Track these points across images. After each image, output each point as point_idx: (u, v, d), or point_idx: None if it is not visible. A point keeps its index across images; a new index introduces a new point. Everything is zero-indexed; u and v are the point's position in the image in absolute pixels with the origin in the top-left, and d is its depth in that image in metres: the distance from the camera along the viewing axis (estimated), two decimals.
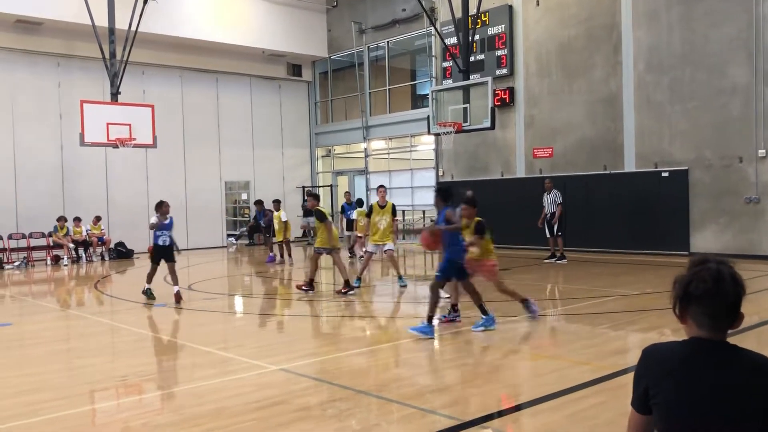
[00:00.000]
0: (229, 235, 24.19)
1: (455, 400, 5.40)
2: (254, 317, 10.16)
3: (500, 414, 5.09)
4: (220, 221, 23.46)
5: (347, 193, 19.54)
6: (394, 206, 12.46)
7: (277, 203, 17.25)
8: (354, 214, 17.33)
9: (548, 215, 15.55)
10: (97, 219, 19.44)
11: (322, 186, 25.90)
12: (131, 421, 5.09)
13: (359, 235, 17.01)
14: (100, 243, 19.41)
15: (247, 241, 24.06)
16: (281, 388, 5.80)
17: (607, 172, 17.09)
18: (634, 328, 8.24)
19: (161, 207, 11.19)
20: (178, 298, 10.77)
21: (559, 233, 15.42)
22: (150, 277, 11.27)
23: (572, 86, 17.85)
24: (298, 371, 6.31)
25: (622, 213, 16.66)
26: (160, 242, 11.16)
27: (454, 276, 8.05)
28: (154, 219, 11.23)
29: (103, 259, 19.37)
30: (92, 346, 8.10)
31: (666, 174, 16.00)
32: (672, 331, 7.61)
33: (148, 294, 11.16)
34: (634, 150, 16.64)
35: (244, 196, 25.77)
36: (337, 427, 4.78)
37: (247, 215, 25.06)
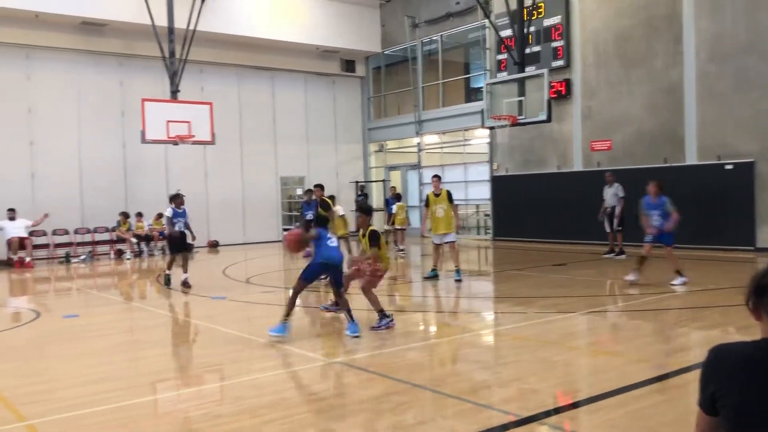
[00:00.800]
0: (284, 230, 24.51)
1: (512, 395, 5.34)
2: (310, 311, 10.27)
3: (558, 410, 5.02)
4: (275, 216, 23.80)
5: (393, 188, 19.54)
6: (449, 193, 12.24)
7: (331, 199, 17.17)
8: (394, 208, 17.43)
9: (609, 209, 15.21)
10: (159, 216, 19.96)
11: (375, 181, 25.99)
12: (192, 411, 5.22)
13: (399, 227, 17.75)
14: (161, 237, 19.92)
15: None
16: (338, 380, 5.86)
17: (668, 164, 16.62)
18: (697, 325, 8.00)
19: (176, 199, 12.50)
20: (186, 285, 11.97)
21: (620, 228, 15.07)
22: (170, 265, 12.52)
23: (631, 77, 17.41)
24: (354, 364, 6.35)
25: (683, 207, 15.97)
26: (177, 228, 12.27)
27: (330, 276, 7.87)
28: (169, 210, 12.40)
29: (164, 253, 19.87)
30: (154, 337, 8.34)
31: (730, 167, 15.45)
32: (736, 328, 7.37)
33: (166, 280, 12.38)
34: (696, 142, 16.13)
35: (298, 192, 26.07)
36: (393, 421, 4.79)
37: (302, 210, 25.34)
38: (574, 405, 5.16)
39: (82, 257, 18.51)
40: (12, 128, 18.65)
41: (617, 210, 15.02)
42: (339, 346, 7.29)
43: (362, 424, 4.74)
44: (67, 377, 6.31)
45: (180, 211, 12.33)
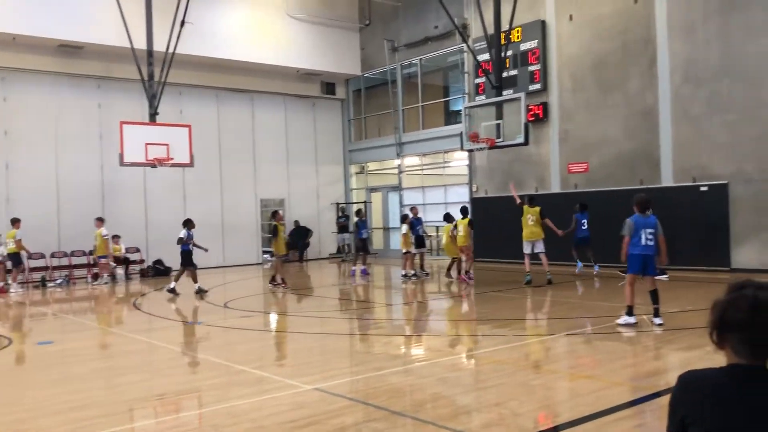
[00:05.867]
0: (264, 252, 24.38)
1: (493, 420, 5.35)
2: (289, 335, 10.21)
3: None
4: (255, 238, 23.68)
5: (414, 208, 18.56)
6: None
7: (404, 217, 17.51)
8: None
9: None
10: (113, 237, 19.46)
11: (356, 203, 26.02)
12: None
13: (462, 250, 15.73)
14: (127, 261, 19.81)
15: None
16: (316, 407, 5.82)
17: (645, 186, 16.83)
18: (674, 348, 8.07)
19: (190, 223, 15.37)
20: (201, 291, 14.71)
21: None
22: (195, 278, 14.97)
23: (607, 100, 17.68)
24: (333, 391, 6.32)
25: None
26: (190, 248, 15.18)
27: None
28: (182, 233, 15.12)
29: (141, 276, 19.73)
30: (131, 363, 8.24)
31: (705, 188, 15.70)
32: (713, 350, 7.43)
33: (200, 291, 14.69)
34: (672, 164, 16.38)
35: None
36: None
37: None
38: (555, 429, 5.18)
39: (59, 281, 18.26)
40: None
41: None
42: (316, 372, 7.25)
43: None
44: (43, 405, 6.20)
45: (191, 233, 15.16)
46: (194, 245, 15.23)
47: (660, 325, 8.98)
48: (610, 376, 6.67)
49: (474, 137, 15.69)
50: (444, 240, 16.92)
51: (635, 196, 9.44)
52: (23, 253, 17.25)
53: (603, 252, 15.49)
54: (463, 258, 15.66)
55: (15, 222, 17.11)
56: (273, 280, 15.88)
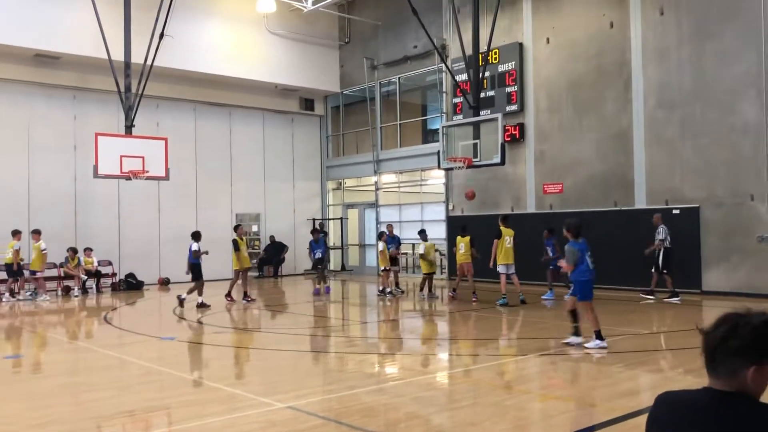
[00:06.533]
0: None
1: None
2: (263, 352, 10.12)
3: None
4: (230, 253, 23.40)
5: (390, 225, 18.68)
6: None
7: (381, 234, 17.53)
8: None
9: (656, 250, 14.86)
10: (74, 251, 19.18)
11: (332, 219, 25.98)
12: None
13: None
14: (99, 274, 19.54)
15: (256, 273, 24.06)
16: (289, 426, 5.76)
17: (618, 208, 17.06)
18: (645, 369, 8.14)
19: (199, 236, 15.46)
20: (203, 305, 14.72)
21: (665, 270, 14.74)
22: (200, 291, 14.99)
23: (582, 122, 17.92)
24: (306, 409, 6.26)
25: (632, 250, 16.53)
26: (199, 261, 15.08)
27: None
28: (195, 246, 15.11)
29: (113, 290, 19.43)
30: (100, 379, 8.09)
31: (677, 211, 15.93)
32: (684, 372, 7.52)
33: (181, 302, 14.80)
34: (645, 186, 16.62)
35: (254, 228, 25.84)
36: None
37: (257, 247, 25.08)
38: None
39: (28, 294, 17.91)
40: None
41: (651, 249, 14.82)
42: (289, 389, 7.18)
43: None
44: (6, 422, 6.06)
45: (199, 246, 15.08)
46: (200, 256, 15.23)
47: (580, 344, 9.04)
48: (583, 397, 6.70)
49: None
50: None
51: (569, 221, 9.32)
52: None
53: None
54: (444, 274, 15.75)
55: (15, 234, 17.07)
56: (246, 295, 15.90)
